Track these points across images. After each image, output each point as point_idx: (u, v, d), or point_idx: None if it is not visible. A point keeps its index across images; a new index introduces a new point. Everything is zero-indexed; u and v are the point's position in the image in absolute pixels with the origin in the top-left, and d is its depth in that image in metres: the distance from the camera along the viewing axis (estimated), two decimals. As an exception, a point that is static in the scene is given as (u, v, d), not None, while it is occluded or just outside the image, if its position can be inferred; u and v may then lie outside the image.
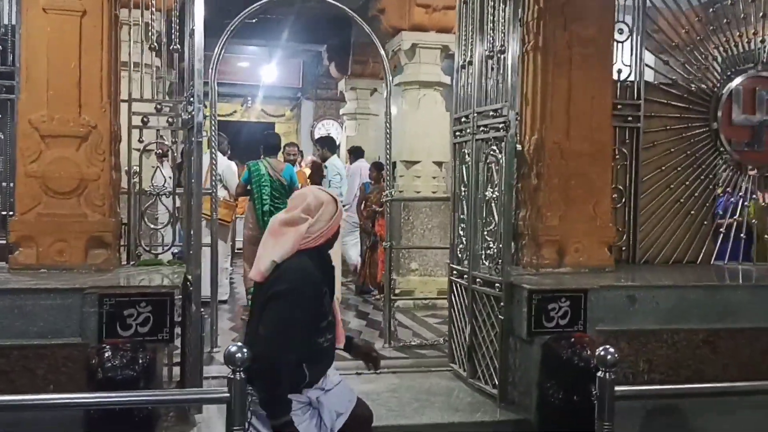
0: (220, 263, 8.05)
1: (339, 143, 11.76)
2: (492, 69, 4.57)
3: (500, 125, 4.38)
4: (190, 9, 3.96)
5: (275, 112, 16.50)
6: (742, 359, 4.27)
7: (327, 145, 9.21)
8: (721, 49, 5.29)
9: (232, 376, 2.64)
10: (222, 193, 7.79)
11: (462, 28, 4.99)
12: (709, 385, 3.70)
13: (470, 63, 4.83)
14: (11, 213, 4.12)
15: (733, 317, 4.32)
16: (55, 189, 4.00)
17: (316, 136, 14.97)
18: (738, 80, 5.24)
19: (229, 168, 7.85)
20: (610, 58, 4.75)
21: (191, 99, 3.90)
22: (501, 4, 4.43)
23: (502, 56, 4.40)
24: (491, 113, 4.51)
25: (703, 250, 5.20)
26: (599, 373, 2.84)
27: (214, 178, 5.75)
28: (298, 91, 15.60)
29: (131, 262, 4.51)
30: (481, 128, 4.63)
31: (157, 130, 4.62)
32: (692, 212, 5.17)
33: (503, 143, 4.33)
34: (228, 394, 2.62)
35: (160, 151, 4.51)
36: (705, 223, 5.21)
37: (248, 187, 7.18)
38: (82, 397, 2.92)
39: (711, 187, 5.24)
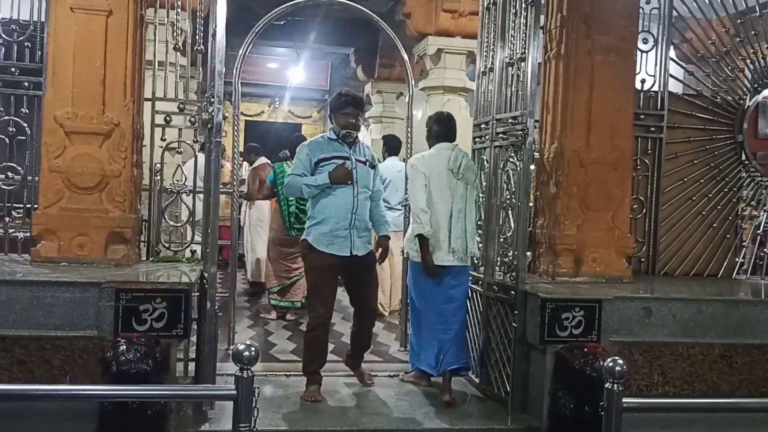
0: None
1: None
2: (512, 76, 4.56)
3: (519, 133, 4.36)
4: (214, 10, 4.01)
5: (302, 113, 16.61)
6: (759, 375, 4.21)
7: (387, 145, 7.62)
8: (748, 61, 5.23)
9: (240, 374, 2.69)
10: None
11: (484, 34, 4.99)
12: (720, 400, 3.67)
13: (491, 70, 4.83)
14: (35, 206, 4.21)
15: (752, 332, 4.26)
16: (78, 184, 4.07)
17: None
18: (765, 93, 5.17)
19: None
20: (633, 68, 4.72)
21: (212, 99, 3.95)
22: (523, 12, 4.43)
23: (522, 64, 4.39)
24: (510, 120, 4.51)
25: (725, 264, 5.13)
26: (607, 385, 2.84)
27: (236, 178, 5.80)
28: (325, 92, 15.69)
29: (150, 258, 4.58)
30: (500, 135, 4.62)
31: (180, 129, 4.68)
32: (714, 225, 5.11)
33: (521, 151, 4.32)
34: (235, 392, 2.67)
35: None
36: (727, 236, 5.15)
37: (274, 189, 7.22)
38: (93, 389, 2.99)
39: (734, 200, 5.17)
